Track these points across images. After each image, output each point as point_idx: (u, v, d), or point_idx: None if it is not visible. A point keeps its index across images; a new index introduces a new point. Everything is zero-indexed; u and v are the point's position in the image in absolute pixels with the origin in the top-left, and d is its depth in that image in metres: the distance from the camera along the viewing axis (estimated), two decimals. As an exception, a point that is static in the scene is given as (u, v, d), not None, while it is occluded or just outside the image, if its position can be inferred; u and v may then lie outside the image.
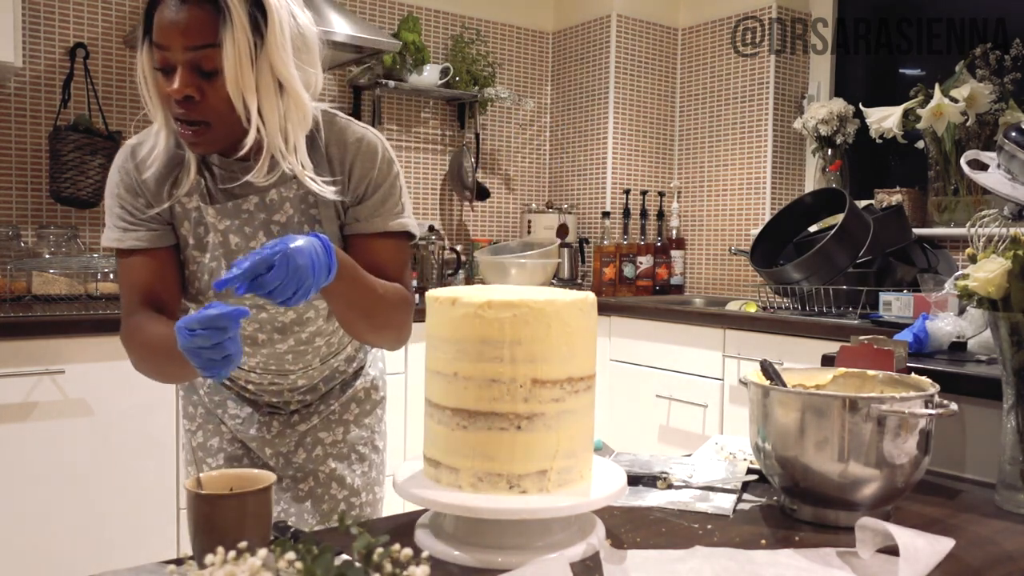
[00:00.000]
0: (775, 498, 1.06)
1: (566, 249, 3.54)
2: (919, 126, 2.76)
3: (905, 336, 1.37)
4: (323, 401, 1.41)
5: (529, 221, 3.68)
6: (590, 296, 0.90)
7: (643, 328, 2.97)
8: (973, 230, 1.38)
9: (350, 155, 1.23)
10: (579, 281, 3.61)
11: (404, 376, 2.74)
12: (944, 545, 0.85)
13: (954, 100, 2.67)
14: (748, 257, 2.86)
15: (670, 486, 1.09)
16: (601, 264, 3.51)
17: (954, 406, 0.96)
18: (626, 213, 3.56)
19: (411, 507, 0.93)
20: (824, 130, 3.16)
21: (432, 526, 0.91)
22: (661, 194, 3.66)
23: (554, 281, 3.47)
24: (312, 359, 1.35)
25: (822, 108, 3.18)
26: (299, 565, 0.62)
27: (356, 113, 3.34)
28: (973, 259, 1.06)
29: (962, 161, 1.42)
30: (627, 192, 3.58)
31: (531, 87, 3.85)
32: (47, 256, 2.63)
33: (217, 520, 0.78)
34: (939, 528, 0.95)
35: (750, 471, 1.12)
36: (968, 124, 2.73)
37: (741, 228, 3.47)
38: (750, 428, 1.03)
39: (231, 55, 1.05)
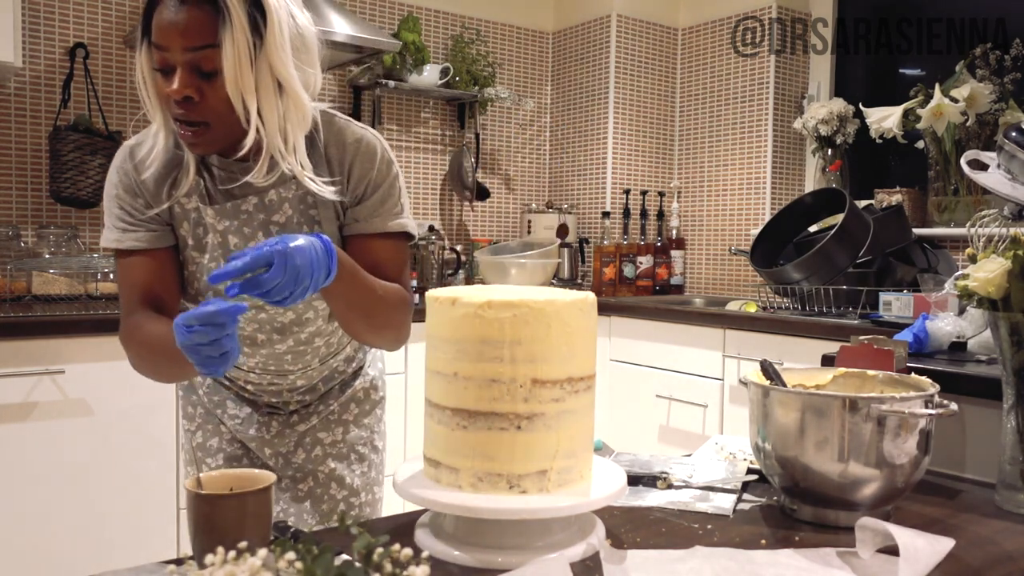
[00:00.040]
0: (775, 498, 1.06)
1: (566, 249, 3.53)
2: (919, 126, 2.76)
3: (905, 336, 1.37)
4: (322, 401, 1.41)
5: (529, 221, 3.68)
6: (590, 296, 0.90)
7: (643, 328, 2.97)
8: (973, 230, 1.38)
9: (349, 155, 1.23)
10: (579, 281, 3.61)
11: (404, 376, 2.74)
12: (944, 545, 0.85)
13: (954, 100, 2.67)
14: (748, 257, 2.86)
15: (670, 486, 1.09)
16: (601, 264, 3.51)
17: (954, 406, 0.96)
18: (626, 213, 3.56)
19: (411, 507, 0.93)
20: (824, 130, 3.16)
21: (432, 526, 0.91)
22: (661, 194, 3.66)
23: (554, 281, 3.47)
24: (311, 359, 1.35)
25: (822, 108, 3.18)
26: (299, 565, 0.62)
27: (356, 113, 3.34)
28: (973, 259, 1.06)
29: (962, 161, 1.42)
30: (627, 192, 3.58)
31: (531, 87, 3.85)
32: (47, 256, 2.63)
33: (217, 520, 0.78)
34: (939, 528, 0.95)
35: (750, 471, 1.12)
36: (968, 124, 2.73)
37: (741, 228, 3.47)
38: (750, 428, 1.03)
39: (230, 56, 1.05)
